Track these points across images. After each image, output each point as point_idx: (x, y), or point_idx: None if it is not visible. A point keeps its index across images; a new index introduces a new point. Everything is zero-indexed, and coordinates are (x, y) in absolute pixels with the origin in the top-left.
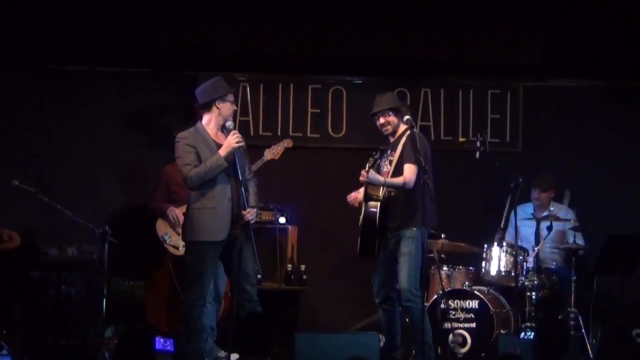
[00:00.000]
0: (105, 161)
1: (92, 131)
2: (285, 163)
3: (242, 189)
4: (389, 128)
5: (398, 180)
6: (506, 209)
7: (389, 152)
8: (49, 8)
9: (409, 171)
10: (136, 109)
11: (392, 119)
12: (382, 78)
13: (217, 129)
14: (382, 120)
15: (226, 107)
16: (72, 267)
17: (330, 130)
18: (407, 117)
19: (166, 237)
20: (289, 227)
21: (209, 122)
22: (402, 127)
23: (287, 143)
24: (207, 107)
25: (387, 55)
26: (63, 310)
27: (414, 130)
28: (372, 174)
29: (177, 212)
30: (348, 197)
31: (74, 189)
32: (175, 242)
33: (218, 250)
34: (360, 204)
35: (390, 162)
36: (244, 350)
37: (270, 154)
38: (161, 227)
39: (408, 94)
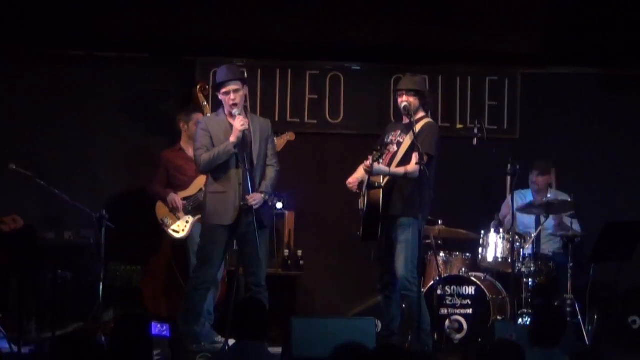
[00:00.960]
0: (102, 146)
1: (89, 116)
2: (283, 149)
3: (248, 173)
4: (408, 108)
5: (400, 170)
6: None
7: (398, 132)
8: None
9: (415, 161)
10: (134, 94)
11: (413, 100)
12: (380, 64)
13: (231, 114)
14: (405, 97)
15: (220, 97)
16: (69, 252)
17: (328, 116)
18: (404, 104)
19: (166, 221)
20: (286, 212)
21: (224, 106)
22: (420, 114)
23: (289, 136)
24: None
25: (385, 42)
26: (60, 295)
27: (429, 120)
28: (376, 166)
29: (177, 199)
30: (347, 182)
31: (71, 173)
32: (174, 226)
33: (227, 234)
34: (359, 186)
35: (399, 144)
36: (240, 334)
37: None
38: (161, 210)
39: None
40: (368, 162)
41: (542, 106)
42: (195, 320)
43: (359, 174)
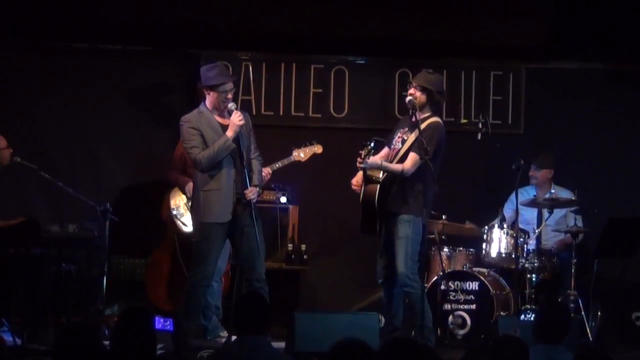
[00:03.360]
0: (106, 139)
1: (93, 109)
2: (287, 142)
3: (245, 168)
4: (413, 103)
5: (396, 167)
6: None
7: (405, 129)
8: None
9: (411, 161)
10: (138, 87)
11: (420, 95)
12: (384, 58)
13: (217, 111)
14: (412, 91)
15: (214, 96)
16: (73, 244)
17: (332, 110)
18: (409, 98)
19: (177, 212)
20: (290, 206)
21: (209, 104)
22: (426, 112)
23: (317, 148)
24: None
25: (390, 36)
26: (63, 287)
27: (436, 120)
28: (369, 160)
29: None
30: (352, 185)
31: (75, 166)
32: (185, 218)
33: (223, 231)
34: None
35: (403, 141)
36: (242, 329)
37: (297, 155)
38: (175, 199)
39: (410, 75)
40: (360, 159)
41: (547, 101)
42: (197, 316)
43: (361, 173)
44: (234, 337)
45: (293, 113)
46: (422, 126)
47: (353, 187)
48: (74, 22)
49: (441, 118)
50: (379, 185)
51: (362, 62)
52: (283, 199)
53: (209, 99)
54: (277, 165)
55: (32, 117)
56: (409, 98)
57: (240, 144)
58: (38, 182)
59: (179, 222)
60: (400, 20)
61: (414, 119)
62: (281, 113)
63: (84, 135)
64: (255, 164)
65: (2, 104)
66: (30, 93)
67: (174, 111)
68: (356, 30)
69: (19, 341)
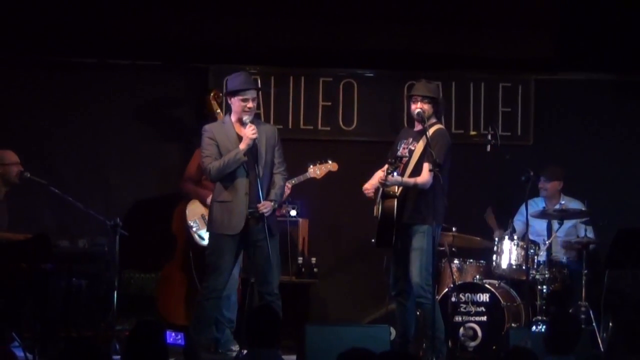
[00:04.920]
0: (116, 153)
1: (102, 123)
2: (296, 156)
3: (258, 182)
4: (422, 115)
5: (410, 180)
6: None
7: (410, 140)
8: (60, 0)
9: (426, 172)
10: (147, 102)
11: (427, 107)
12: (393, 71)
13: (240, 121)
14: (419, 104)
15: (235, 104)
16: (83, 260)
17: (341, 123)
18: (418, 111)
19: (194, 225)
20: (300, 219)
21: (233, 113)
22: (432, 120)
23: (332, 166)
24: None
25: (398, 49)
26: (74, 302)
27: (440, 126)
28: (390, 178)
29: None
30: (364, 188)
31: (85, 181)
32: (201, 232)
33: (234, 244)
34: (375, 193)
35: (411, 152)
36: (253, 342)
37: (313, 172)
38: (193, 212)
39: None
40: (382, 175)
41: (556, 112)
42: (206, 329)
43: (375, 180)
44: (245, 351)
45: (302, 126)
46: (429, 133)
47: (365, 191)
48: (83, 37)
49: (442, 124)
50: (396, 200)
51: (371, 75)
52: (293, 212)
53: (233, 107)
54: (292, 181)
55: (41, 132)
56: (418, 111)
57: (255, 156)
58: (48, 198)
59: (196, 236)
60: (409, 33)
61: (421, 128)
62: (290, 126)
63: (93, 150)
64: (277, 178)
65: (11, 119)
66: (39, 108)
67: (182, 125)
68: (364, 43)
69: (30, 356)
